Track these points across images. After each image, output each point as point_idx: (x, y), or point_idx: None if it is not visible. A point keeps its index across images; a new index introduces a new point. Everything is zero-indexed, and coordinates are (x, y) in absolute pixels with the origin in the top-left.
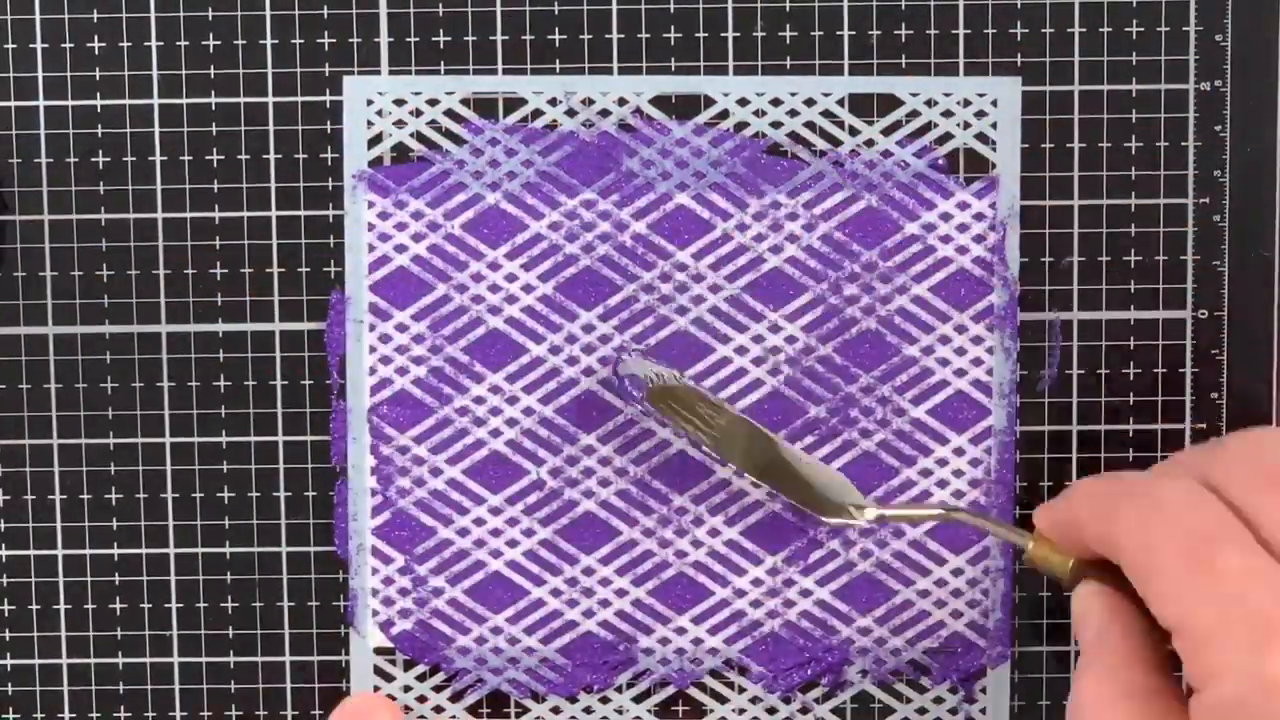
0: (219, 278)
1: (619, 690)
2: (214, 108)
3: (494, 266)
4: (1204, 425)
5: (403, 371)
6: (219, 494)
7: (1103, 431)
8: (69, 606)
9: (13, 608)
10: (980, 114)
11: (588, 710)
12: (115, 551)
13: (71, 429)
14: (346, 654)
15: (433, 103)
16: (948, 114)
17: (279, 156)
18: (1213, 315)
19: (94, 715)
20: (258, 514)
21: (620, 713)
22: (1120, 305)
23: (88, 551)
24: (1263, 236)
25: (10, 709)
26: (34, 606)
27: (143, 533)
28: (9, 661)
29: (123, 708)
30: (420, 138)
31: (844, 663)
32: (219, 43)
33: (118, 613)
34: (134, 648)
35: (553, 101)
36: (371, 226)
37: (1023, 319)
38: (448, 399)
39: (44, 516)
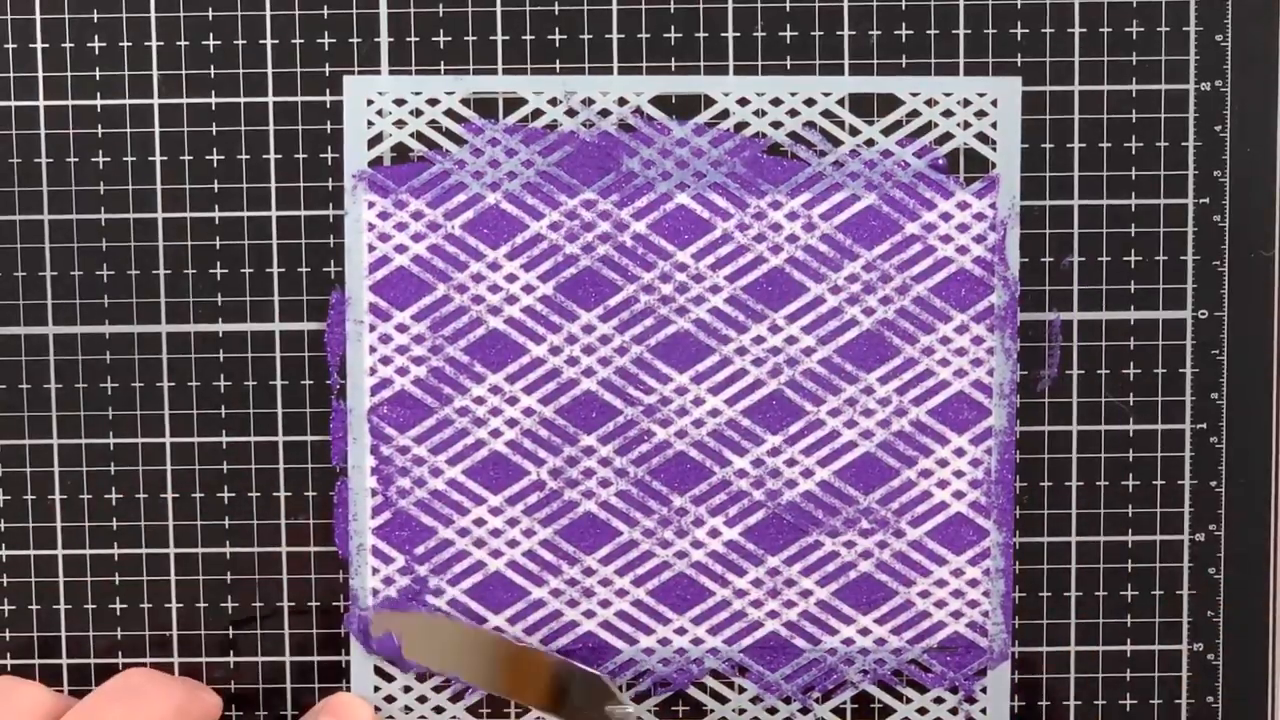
0: (219, 278)
1: (619, 690)
2: (214, 108)
3: (494, 266)
4: (1204, 425)
5: (403, 372)
6: (219, 494)
7: (1103, 431)
8: (69, 606)
9: (13, 608)
10: (980, 114)
11: None
12: (115, 551)
13: (71, 429)
14: (346, 654)
15: (433, 103)
16: (948, 114)
17: (279, 156)
18: (1213, 315)
19: None
20: (258, 514)
21: None
22: (1120, 305)
23: (88, 551)
24: (1263, 236)
25: None
26: (34, 606)
27: (143, 533)
28: (9, 661)
29: None
30: (420, 138)
31: (844, 663)
32: (219, 43)
33: (118, 613)
34: (134, 648)
35: (553, 101)
36: (371, 226)
37: (1023, 319)
38: (448, 399)
39: (44, 516)
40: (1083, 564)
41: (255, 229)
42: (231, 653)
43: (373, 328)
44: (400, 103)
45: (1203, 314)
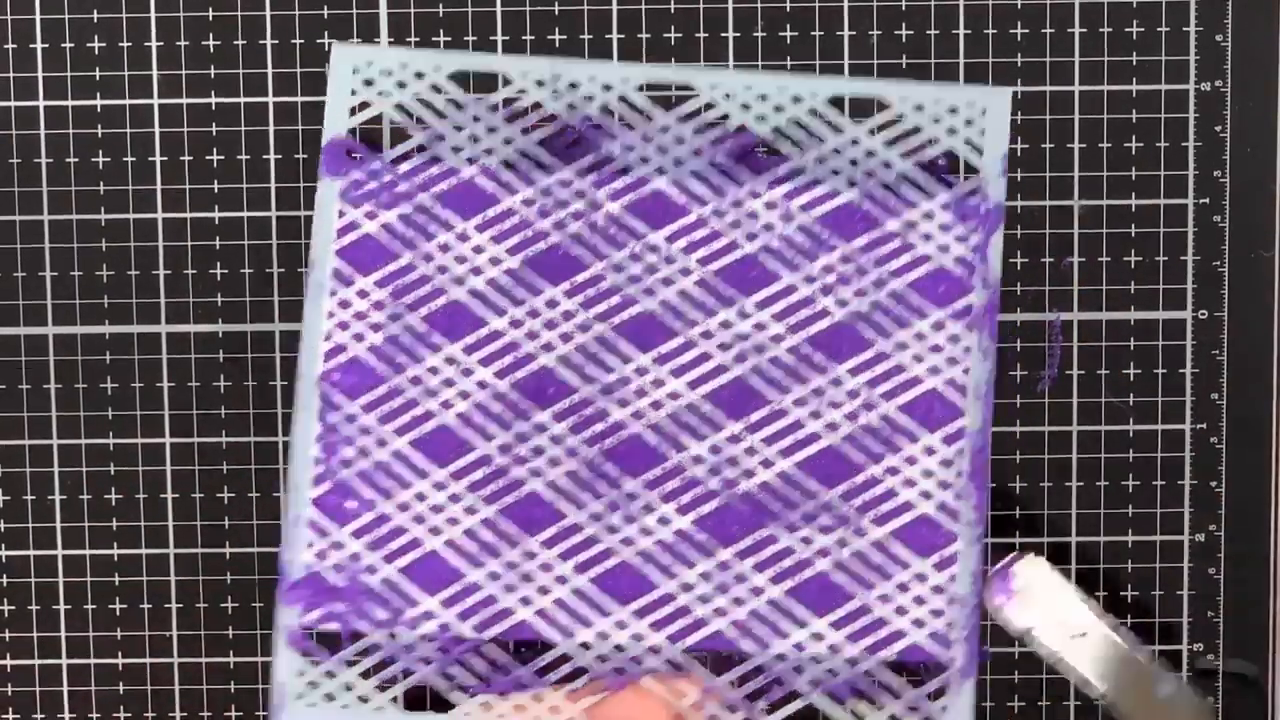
0: (219, 278)
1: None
2: (214, 108)
3: (463, 238)
4: (1204, 425)
5: (359, 338)
6: (219, 494)
7: (1103, 432)
8: (69, 606)
9: (13, 608)
10: (968, 122)
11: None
12: (115, 551)
13: (71, 429)
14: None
15: (419, 76)
16: (936, 120)
17: (279, 157)
18: (1213, 315)
19: (94, 715)
20: (257, 514)
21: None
22: (1120, 305)
23: (88, 551)
24: (1263, 236)
25: (10, 709)
26: (34, 606)
27: (143, 533)
28: (9, 661)
29: (123, 708)
30: (402, 110)
31: (794, 670)
32: (219, 43)
33: (117, 613)
34: (134, 648)
35: (539, 83)
36: (344, 193)
37: (1023, 319)
38: (400, 367)
39: (44, 516)
40: (1083, 564)
41: (255, 229)
42: (231, 653)
43: (334, 293)
44: (387, 73)
45: (1203, 314)
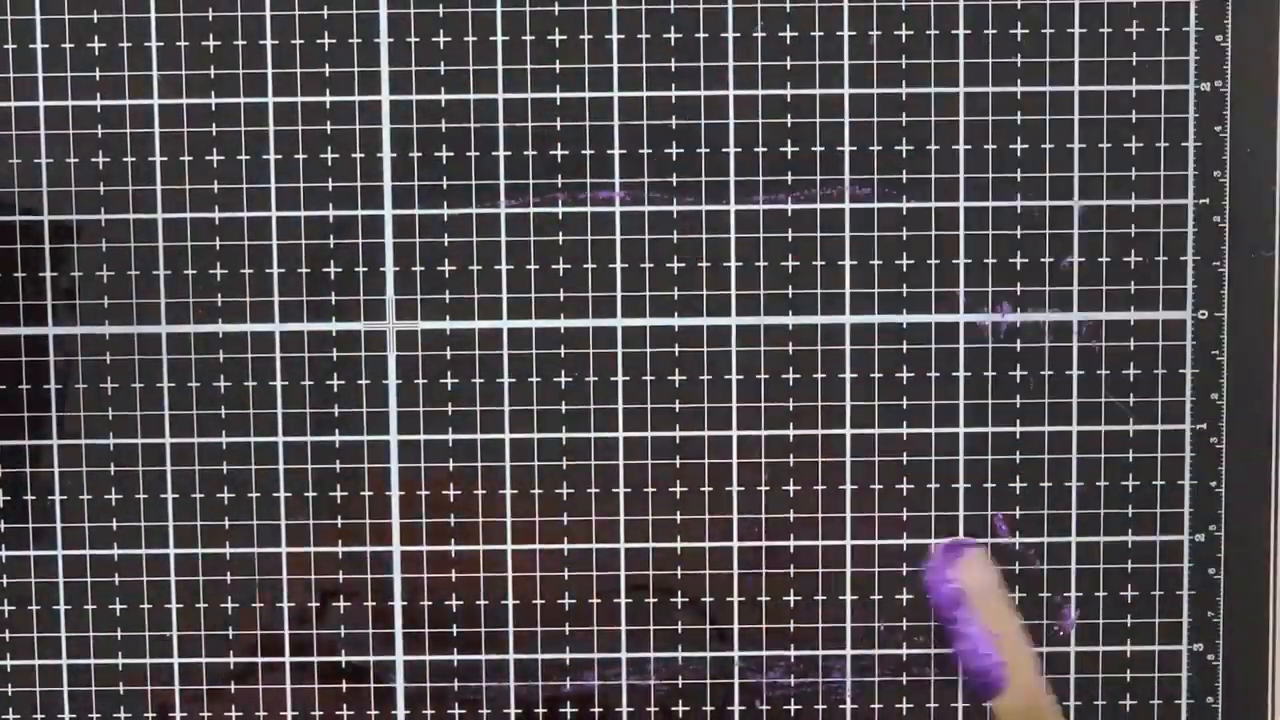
0: (219, 278)
1: None
2: (214, 108)
3: None
4: (1204, 425)
5: None
6: (219, 494)
7: (1103, 432)
8: (69, 607)
9: (13, 608)
10: None
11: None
12: (115, 551)
13: (71, 429)
14: (345, 654)
15: None
16: None
17: (279, 157)
18: (1213, 315)
19: (94, 715)
20: (258, 514)
21: None
22: (1120, 305)
23: (88, 552)
24: (1263, 236)
25: (10, 709)
26: (34, 607)
27: (143, 533)
28: (9, 662)
29: (123, 708)
30: None
31: None
32: (219, 43)
33: (117, 613)
34: (134, 648)
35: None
36: None
37: (1022, 319)
38: None
39: (44, 516)
40: (1083, 563)
41: (255, 229)
42: (231, 652)
43: None
44: None
45: (1203, 314)
